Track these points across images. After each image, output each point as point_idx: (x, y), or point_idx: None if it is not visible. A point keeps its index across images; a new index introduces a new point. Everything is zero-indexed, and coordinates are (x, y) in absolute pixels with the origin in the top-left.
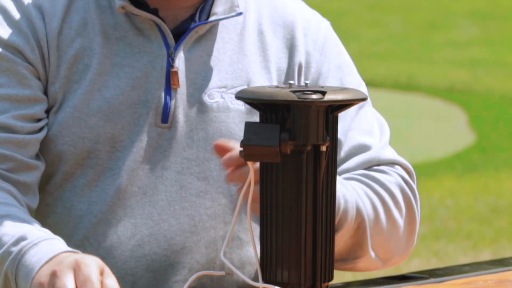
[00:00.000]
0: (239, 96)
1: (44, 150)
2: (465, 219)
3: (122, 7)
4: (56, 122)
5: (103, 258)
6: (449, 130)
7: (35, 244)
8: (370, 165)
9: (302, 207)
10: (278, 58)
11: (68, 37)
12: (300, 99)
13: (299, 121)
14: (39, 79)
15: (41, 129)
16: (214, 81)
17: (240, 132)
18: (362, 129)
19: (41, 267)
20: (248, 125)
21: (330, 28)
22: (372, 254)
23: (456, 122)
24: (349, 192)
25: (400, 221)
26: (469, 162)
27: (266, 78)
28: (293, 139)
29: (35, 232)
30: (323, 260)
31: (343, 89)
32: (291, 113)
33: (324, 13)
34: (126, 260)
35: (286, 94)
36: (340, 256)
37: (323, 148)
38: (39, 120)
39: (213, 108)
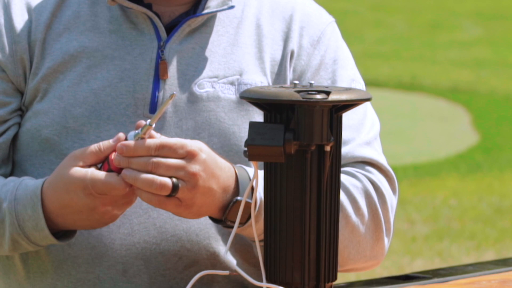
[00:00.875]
0: (243, 96)
1: (30, 140)
2: (468, 219)
3: (113, 0)
4: (41, 112)
5: (93, 246)
6: (453, 130)
7: (20, 182)
8: (343, 161)
9: (306, 207)
10: (273, 50)
11: (55, 31)
12: (304, 99)
13: (303, 121)
14: (6, 80)
15: (4, 132)
16: (206, 71)
17: (229, 121)
18: (346, 124)
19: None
20: (252, 125)
21: (332, 24)
22: (349, 238)
23: (459, 122)
24: None
25: (361, 227)
26: (473, 162)
27: (260, 69)
28: (297, 139)
29: (12, 179)
30: (327, 260)
31: (347, 89)
32: (296, 113)
33: (328, 13)
34: (117, 249)
35: (291, 94)
36: None
37: (327, 148)
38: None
39: (202, 97)
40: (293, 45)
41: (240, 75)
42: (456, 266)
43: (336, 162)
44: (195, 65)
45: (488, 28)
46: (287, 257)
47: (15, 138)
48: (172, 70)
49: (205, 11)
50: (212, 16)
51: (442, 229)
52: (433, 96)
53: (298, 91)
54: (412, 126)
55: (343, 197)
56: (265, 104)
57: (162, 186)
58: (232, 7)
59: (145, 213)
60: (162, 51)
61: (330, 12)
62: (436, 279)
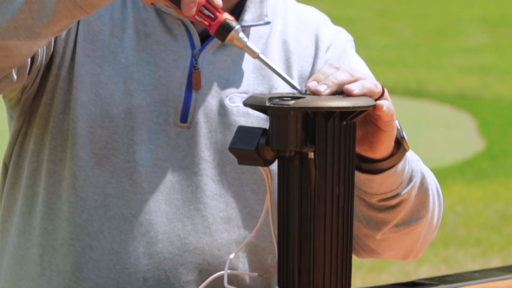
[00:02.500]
0: (244, 102)
1: (63, 130)
2: (474, 226)
3: (152, 3)
4: (78, 103)
5: (116, 252)
6: (459, 136)
7: None
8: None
9: (290, 214)
10: (300, 66)
11: (102, 21)
12: (273, 105)
13: (277, 127)
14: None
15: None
16: (237, 85)
17: None
18: None
19: None
20: (238, 129)
21: (352, 42)
22: (431, 215)
23: (465, 129)
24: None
25: (431, 227)
26: (479, 169)
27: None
28: (270, 144)
29: None
30: (339, 268)
31: (346, 98)
32: (270, 118)
33: (334, 20)
34: (139, 257)
35: (262, 99)
36: (403, 219)
37: (311, 155)
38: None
39: (233, 112)
40: (319, 61)
41: (269, 91)
42: (462, 272)
43: (347, 170)
44: (226, 77)
45: (494, 34)
46: (300, 265)
47: (47, 111)
48: (205, 80)
49: (242, 23)
50: (244, 30)
51: (448, 235)
52: (439, 103)
53: (273, 98)
54: (418, 132)
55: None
56: (258, 109)
57: (377, 82)
58: (268, 22)
59: (170, 223)
60: (196, 60)
61: (336, 18)
62: (442, 286)
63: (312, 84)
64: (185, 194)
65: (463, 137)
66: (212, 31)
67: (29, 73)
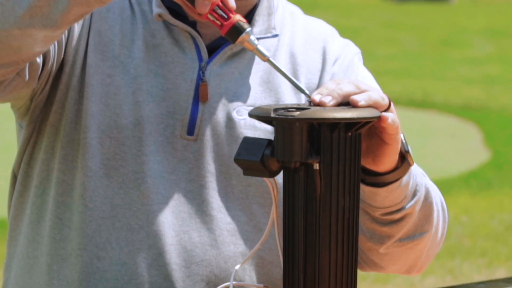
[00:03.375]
0: (250, 113)
1: (73, 139)
2: (480, 237)
3: (160, 15)
4: (88, 113)
5: (124, 263)
6: (464, 147)
7: None
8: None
9: (295, 226)
10: (307, 79)
11: (112, 29)
12: (278, 116)
13: (281, 137)
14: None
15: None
16: (244, 98)
17: None
18: None
19: None
20: (243, 140)
21: (359, 55)
22: (435, 229)
23: (471, 140)
24: (415, 165)
25: (434, 243)
26: (484, 180)
27: (296, 98)
28: (275, 155)
29: None
30: (345, 279)
31: (336, 109)
32: (275, 129)
33: (340, 30)
34: (147, 267)
35: (268, 111)
36: (407, 234)
37: (316, 166)
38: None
39: (240, 125)
40: (327, 74)
41: (277, 104)
42: (468, 283)
43: (352, 180)
44: (233, 90)
45: (499, 45)
46: (305, 276)
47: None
48: (212, 93)
49: None
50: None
51: (453, 246)
52: (444, 113)
53: (282, 109)
54: (423, 143)
55: (436, 206)
56: (263, 120)
57: (384, 95)
58: (276, 35)
59: (177, 235)
60: (203, 73)
61: (342, 29)
62: None
63: (317, 97)
64: (192, 206)
65: (468, 147)
66: (223, 31)
67: (39, 77)
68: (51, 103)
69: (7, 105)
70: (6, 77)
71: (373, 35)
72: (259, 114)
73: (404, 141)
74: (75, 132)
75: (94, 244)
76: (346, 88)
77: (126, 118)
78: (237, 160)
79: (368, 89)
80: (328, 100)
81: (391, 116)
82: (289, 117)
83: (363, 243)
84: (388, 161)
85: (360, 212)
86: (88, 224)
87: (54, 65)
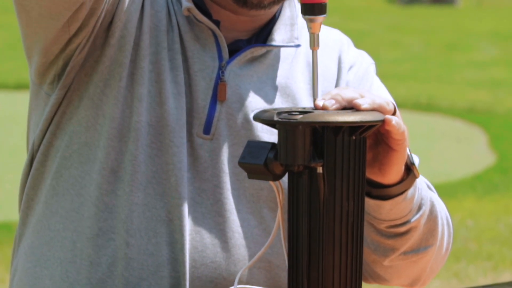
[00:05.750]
0: (254, 116)
1: (124, 120)
2: (485, 240)
3: (188, 10)
4: (139, 97)
5: (152, 254)
6: (470, 151)
7: None
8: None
9: (299, 230)
10: (324, 87)
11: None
12: (281, 119)
13: (284, 141)
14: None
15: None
16: (262, 101)
17: None
18: None
19: None
20: (248, 144)
21: (373, 65)
22: (439, 244)
23: (476, 143)
24: (420, 179)
25: (439, 255)
26: (490, 183)
27: (312, 105)
28: (279, 158)
29: None
30: (349, 283)
31: (339, 112)
32: (278, 133)
33: (345, 33)
34: (169, 262)
35: (271, 114)
36: (411, 247)
37: (319, 170)
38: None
39: (257, 128)
40: (342, 82)
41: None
42: (473, 287)
43: (356, 185)
44: (252, 92)
45: (505, 48)
46: (309, 280)
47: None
48: (230, 93)
49: (271, 43)
50: (272, 50)
51: (459, 250)
52: (450, 117)
53: (282, 112)
54: (429, 146)
55: (441, 220)
56: (266, 124)
57: (389, 101)
58: (298, 45)
59: (189, 234)
60: (222, 72)
61: (347, 32)
62: None
63: (320, 102)
64: (205, 206)
65: (474, 151)
66: (306, 1)
67: (86, 23)
68: (90, 74)
69: (14, 110)
70: None
71: (378, 39)
72: (262, 117)
73: (409, 154)
74: (127, 114)
75: (125, 230)
76: (348, 94)
77: (161, 107)
78: (241, 163)
79: (371, 96)
80: (331, 104)
81: (395, 119)
82: (292, 120)
83: (368, 255)
84: (394, 170)
85: (365, 224)
86: (122, 207)
87: (101, 20)
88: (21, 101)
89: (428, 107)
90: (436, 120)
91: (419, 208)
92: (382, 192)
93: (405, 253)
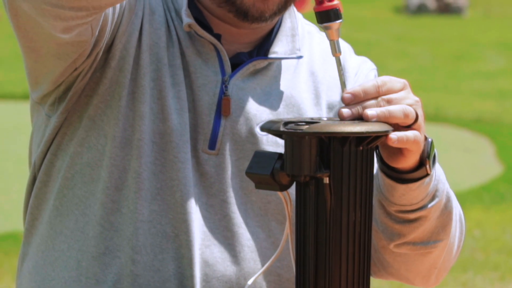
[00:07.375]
0: (261, 127)
1: (126, 139)
2: (492, 250)
3: (189, 26)
4: (141, 116)
5: (158, 270)
6: (477, 161)
7: None
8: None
9: (306, 240)
10: (328, 96)
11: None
12: (287, 129)
13: (290, 151)
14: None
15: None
16: (266, 114)
17: None
18: None
19: None
20: (255, 154)
21: (375, 71)
22: (452, 240)
23: (483, 153)
24: (441, 171)
25: (456, 240)
26: (497, 193)
27: (318, 114)
28: (285, 169)
29: None
30: None
31: (345, 123)
32: (284, 143)
33: (352, 44)
34: (176, 277)
35: (278, 124)
36: (421, 239)
37: (326, 180)
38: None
39: (262, 141)
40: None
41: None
42: None
43: (363, 195)
44: (256, 105)
45: None
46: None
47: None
48: (234, 107)
49: (273, 55)
50: (274, 62)
51: (466, 260)
52: (457, 127)
53: (288, 122)
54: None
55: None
56: (273, 134)
57: (410, 111)
58: (300, 57)
59: (199, 248)
60: (226, 87)
61: (354, 42)
62: None
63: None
64: (213, 221)
65: (481, 161)
66: (320, 8)
67: (91, 51)
68: (90, 95)
69: (21, 120)
70: (78, 22)
71: (385, 49)
72: (269, 128)
73: (429, 149)
74: (129, 132)
75: (131, 247)
76: (395, 112)
77: (164, 124)
78: (248, 173)
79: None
80: (371, 114)
81: (399, 136)
82: (298, 131)
83: (378, 240)
84: (405, 162)
85: (376, 204)
86: (127, 225)
87: (103, 47)
88: (28, 111)
89: (435, 117)
90: (443, 130)
91: (433, 198)
92: (394, 174)
93: (414, 243)
